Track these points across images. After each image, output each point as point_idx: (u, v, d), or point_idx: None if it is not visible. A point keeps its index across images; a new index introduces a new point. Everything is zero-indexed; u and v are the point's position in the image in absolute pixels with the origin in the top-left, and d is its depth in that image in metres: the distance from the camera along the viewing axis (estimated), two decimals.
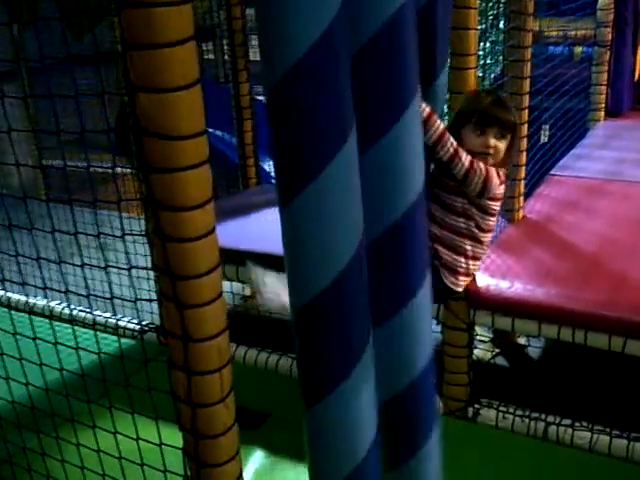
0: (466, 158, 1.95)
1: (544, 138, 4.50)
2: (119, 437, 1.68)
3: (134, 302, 2.15)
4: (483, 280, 2.53)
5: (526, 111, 2.85)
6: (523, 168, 2.94)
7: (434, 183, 2.07)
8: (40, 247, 2.00)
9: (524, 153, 2.91)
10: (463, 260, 2.12)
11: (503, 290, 2.48)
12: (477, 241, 2.13)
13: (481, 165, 1.97)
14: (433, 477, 1.81)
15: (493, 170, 2.00)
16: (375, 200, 1.55)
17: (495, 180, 2.00)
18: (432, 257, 2.04)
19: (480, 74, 3.23)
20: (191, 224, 1.28)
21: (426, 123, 1.86)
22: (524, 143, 2.89)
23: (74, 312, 3.50)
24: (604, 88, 4.26)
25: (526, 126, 2.88)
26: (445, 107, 2.13)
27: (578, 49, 4.24)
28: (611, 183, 3.42)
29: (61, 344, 1.86)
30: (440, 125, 1.91)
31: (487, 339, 3.18)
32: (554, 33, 4.14)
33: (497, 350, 3.13)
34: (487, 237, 2.15)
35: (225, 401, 1.40)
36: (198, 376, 1.36)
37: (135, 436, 1.65)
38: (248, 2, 3.33)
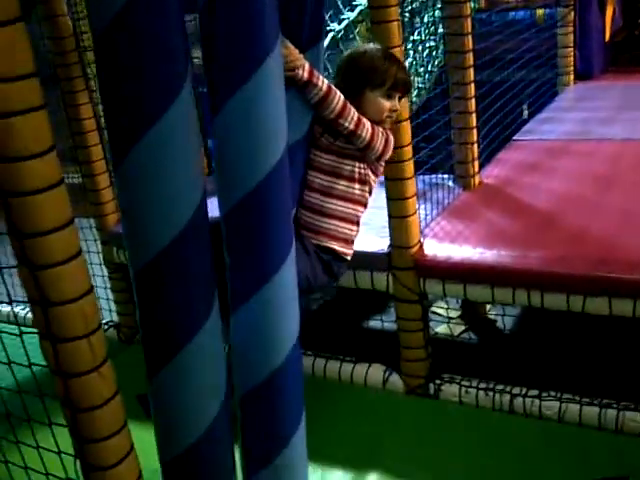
0: (368, 123, 1.90)
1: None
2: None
3: None
4: (431, 247, 2.41)
5: (472, 85, 2.75)
6: (474, 131, 2.81)
7: (317, 148, 1.96)
8: None
9: (473, 115, 2.78)
10: (355, 228, 2.02)
11: (452, 256, 2.35)
12: (366, 206, 2.04)
13: (379, 128, 1.94)
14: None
15: (390, 133, 1.99)
16: (230, 165, 1.46)
17: (392, 142, 1.99)
18: (314, 231, 1.96)
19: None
20: (29, 176, 1.16)
21: (327, 96, 1.81)
22: (472, 104, 2.77)
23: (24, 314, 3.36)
24: (571, 50, 4.13)
25: (472, 86, 2.75)
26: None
27: (540, 11, 4.09)
28: (575, 143, 3.27)
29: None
30: (340, 96, 1.84)
31: (455, 315, 3.04)
32: None
33: (465, 326, 2.99)
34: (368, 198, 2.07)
35: (99, 370, 1.29)
36: (64, 343, 1.26)
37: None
38: None
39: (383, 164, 2.04)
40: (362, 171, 1.95)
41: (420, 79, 3.31)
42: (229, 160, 1.45)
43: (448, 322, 2.98)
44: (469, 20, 2.66)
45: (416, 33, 3.14)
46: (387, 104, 1.94)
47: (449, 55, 2.73)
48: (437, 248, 2.40)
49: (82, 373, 1.26)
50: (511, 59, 3.62)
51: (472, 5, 3.03)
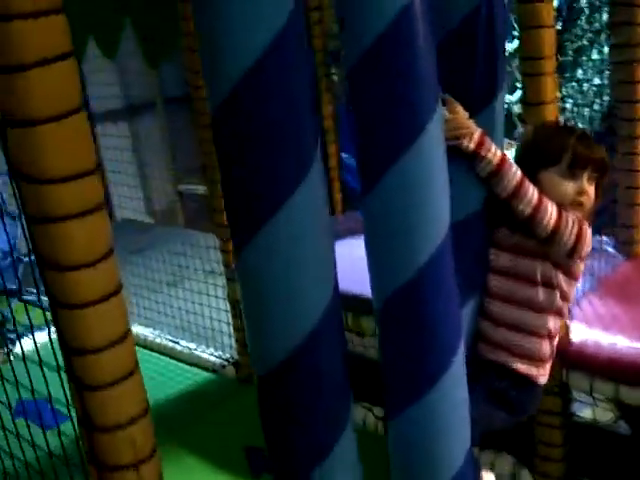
0: (553, 208, 1.56)
1: None
2: None
3: None
4: (579, 333, 2.07)
5: None
6: None
7: (493, 245, 1.67)
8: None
9: None
10: (547, 343, 1.65)
11: (604, 346, 2.01)
12: (560, 315, 1.67)
13: (571, 216, 1.58)
14: None
15: (585, 222, 1.61)
16: (385, 250, 1.28)
17: (589, 234, 1.60)
18: (492, 344, 1.65)
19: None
20: (83, 285, 1.02)
21: (499, 171, 1.51)
22: None
23: (157, 340, 3.55)
24: None
25: None
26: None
27: None
28: None
29: None
30: (517, 172, 1.53)
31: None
32: None
33: (616, 413, 2.60)
34: (568, 307, 1.70)
35: None
36: (108, 473, 1.09)
37: None
38: None
39: (581, 264, 1.66)
40: (547, 272, 1.62)
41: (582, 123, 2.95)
42: (383, 244, 1.28)
43: (596, 405, 2.60)
44: None
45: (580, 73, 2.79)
46: (569, 186, 1.60)
47: (618, 105, 2.37)
48: (586, 334, 2.05)
49: None
50: None
51: None
